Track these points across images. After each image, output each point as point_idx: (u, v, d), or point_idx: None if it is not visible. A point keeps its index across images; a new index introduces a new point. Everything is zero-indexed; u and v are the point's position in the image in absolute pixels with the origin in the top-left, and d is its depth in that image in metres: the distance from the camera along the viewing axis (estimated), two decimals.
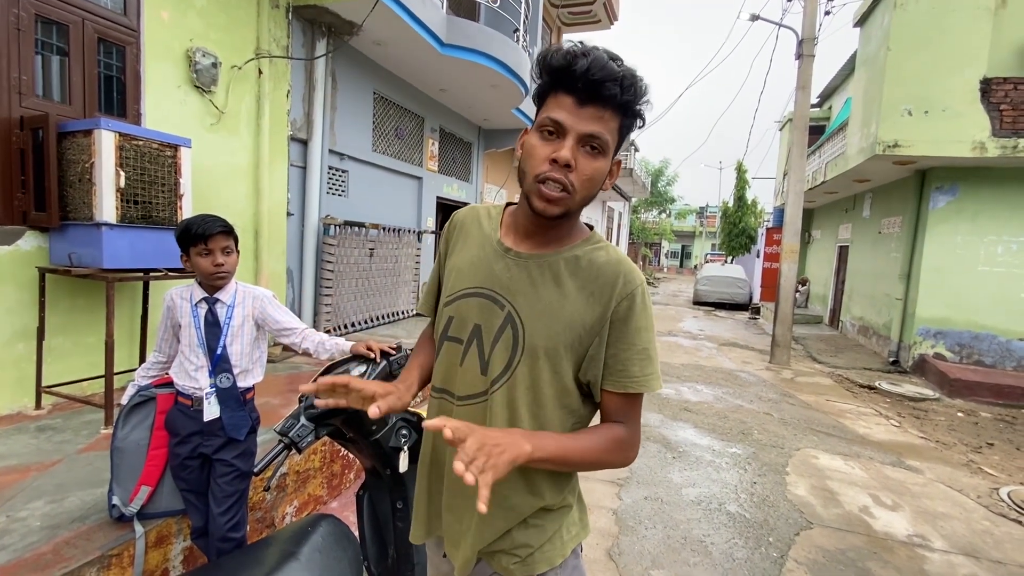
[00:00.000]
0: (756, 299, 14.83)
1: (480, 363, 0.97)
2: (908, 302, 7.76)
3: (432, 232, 7.65)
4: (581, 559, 1.06)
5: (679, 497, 3.35)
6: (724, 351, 8.78)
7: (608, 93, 0.84)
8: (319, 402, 0.96)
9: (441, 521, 1.04)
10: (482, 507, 0.68)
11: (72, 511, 1.97)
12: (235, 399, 1.81)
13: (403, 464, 1.47)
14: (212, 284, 1.79)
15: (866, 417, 5.39)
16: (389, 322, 6.51)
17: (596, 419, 1.02)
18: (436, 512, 1.06)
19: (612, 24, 11.59)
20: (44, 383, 2.97)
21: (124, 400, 1.89)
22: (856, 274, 10.33)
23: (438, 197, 7.88)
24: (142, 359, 3.24)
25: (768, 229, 14.07)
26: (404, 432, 1.49)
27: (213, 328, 1.79)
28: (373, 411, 0.90)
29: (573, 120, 0.86)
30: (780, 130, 15.74)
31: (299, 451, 1.36)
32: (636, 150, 21.16)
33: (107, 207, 2.77)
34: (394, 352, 1.57)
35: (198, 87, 3.74)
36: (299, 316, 4.94)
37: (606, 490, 3.37)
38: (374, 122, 6.10)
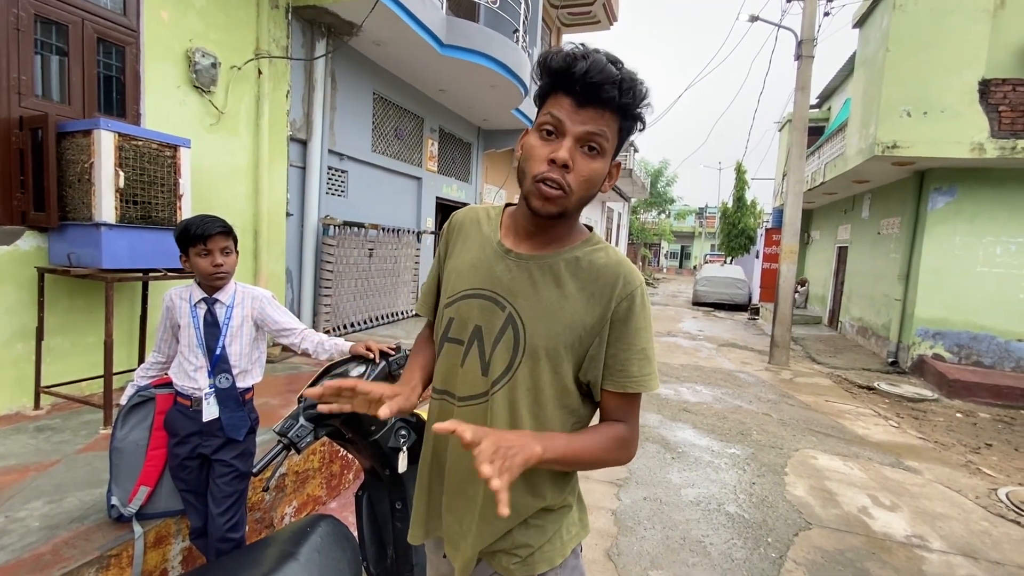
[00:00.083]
0: (755, 300, 14.84)
1: (481, 364, 0.97)
2: (907, 303, 7.77)
3: (431, 232, 7.66)
4: (581, 559, 1.07)
5: (678, 498, 3.35)
6: (723, 352, 8.79)
7: (606, 95, 0.84)
8: (323, 407, 0.94)
9: (441, 522, 1.04)
10: (505, 510, 0.69)
11: (71, 511, 1.97)
12: (234, 399, 1.81)
13: (402, 464, 1.47)
14: (211, 284, 1.79)
15: (865, 418, 5.39)
16: (388, 322, 6.51)
17: (595, 419, 1.02)
18: (436, 513, 1.06)
19: (612, 25, 11.60)
20: (43, 383, 2.97)
21: (123, 400, 1.89)
22: (855, 275, 10.34)
23: (437, 197, 7.88)
24: (141, 359, 3.24)
25: (767, 230, 14.09)
26: (403, 432, 1.49)
27: (212, 328, 1.79)
28: (384, 412, 0.90)
29: (571, 121, 0.86)
30: (779, 131, 15.76)
31: (298, 451, 1.36)
32: (635, 151, 21.17)
33: (106, 207, 2.77)
34: (393, 352, 1.57)
35: (198, 87, 3.74)
36: (298, 316, 4.93)
37: (605, 490, 3.37)
38: (374, 122, 6.10)
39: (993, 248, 7.20)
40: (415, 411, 1.56)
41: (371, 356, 1.53)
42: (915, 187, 7.69)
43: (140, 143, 2.90)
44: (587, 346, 0.94)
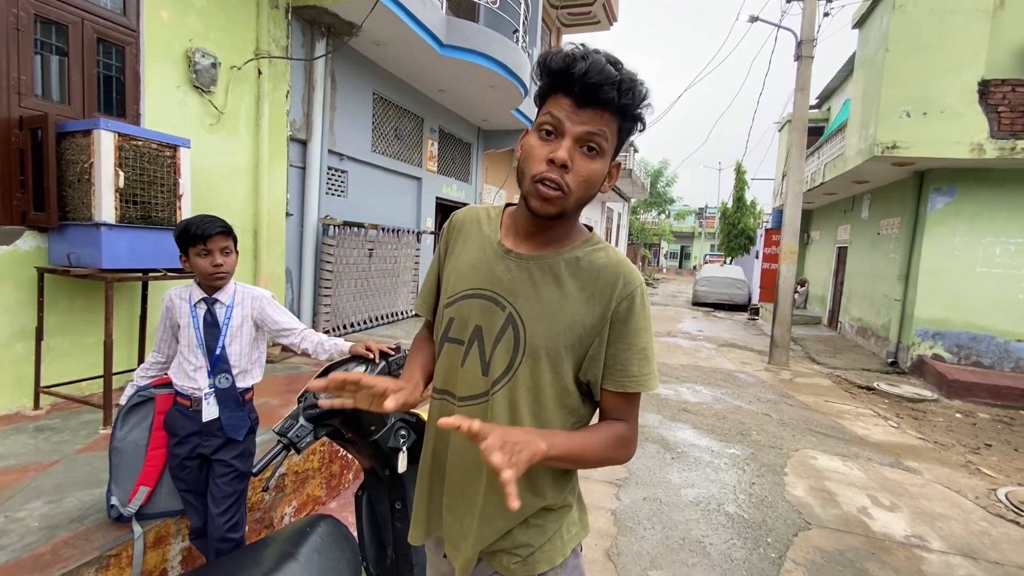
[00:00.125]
0: (755, 300, 14.84)
1: (481, 364, 0.97)
2: (906, 303, 7.78)
3: (431, 232, 7.66)
4: (581, 559, 1.07)
5: (678, 498, 3.35)
6: (723, 352, 8.79)
7: (605, 96, 0.84)
8: (324, 402, 0.94)
9: (441, 522, 1.05)
10: (515, 503, 0.69)
11: (70, 511, 1.97)
12: (234, 399, 1.81)
13: (402, 464, 1.47)
14: (211, 284, 1.79)
15: (864, 418, 5.39)
16: (388, 322, 6.51)
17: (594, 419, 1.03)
18: (436, 513, 1.06)
19: (611, 25, 11.61)
20: (43, 383, 2.97)
21: (123, 400, 1.89)
22: (855, 275, 10.35)
23: (437, 198, 7.88)
24: (141, 359, 3.24)
25: (767, 230, 14.11)
26: (403, 432, 1.50)
27: (212, 328, 1.79)
28: (389, 404, 0.90)
29: (571, 121, 0.86)
30: (779, 131, 15.77)
31: (298, 451, 1.36)
32: (635, 151, 21.18)
33: (106, 207, 2.77)
34: (393, 352, 1.57)
35: (197, 87, 3.74)
36: (298, 316, 4.93)
37: (605, 490, 3.37)
38: (373, 122, 6.10)
39: (993, 248, 7.21)
40: (415, 411, 1.56)
41: (371, 356, 1.53)
42: (915, 187, 7.69)
43: (140, 143, 2.90)
44: (587, 346, 0.94)
